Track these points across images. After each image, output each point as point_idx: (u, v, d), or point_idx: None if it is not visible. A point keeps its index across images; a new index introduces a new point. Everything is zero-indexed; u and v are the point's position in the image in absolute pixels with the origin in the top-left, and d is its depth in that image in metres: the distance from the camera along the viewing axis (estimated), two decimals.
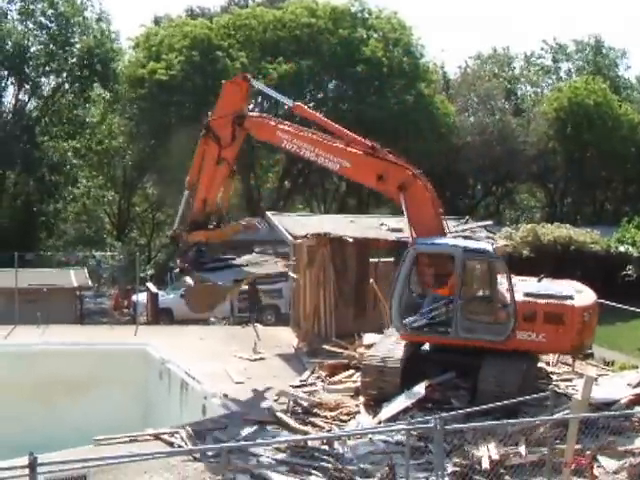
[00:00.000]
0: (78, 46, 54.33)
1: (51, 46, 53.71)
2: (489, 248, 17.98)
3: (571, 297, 17.50)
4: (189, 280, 19.32)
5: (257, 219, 20.05)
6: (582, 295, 18.00)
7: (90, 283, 39.08)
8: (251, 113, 18.95)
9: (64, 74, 55.19)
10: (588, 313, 17.39)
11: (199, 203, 19.03)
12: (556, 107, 59.33)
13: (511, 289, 17.00)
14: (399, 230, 25.65)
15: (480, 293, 17.88)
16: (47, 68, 54.60)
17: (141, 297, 34.78)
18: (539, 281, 18.37)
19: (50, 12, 53.89)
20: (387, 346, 18.12)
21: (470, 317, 17.30)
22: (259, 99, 51.37)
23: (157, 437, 15.75)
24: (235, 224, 20.02)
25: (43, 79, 55.94)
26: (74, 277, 37.61)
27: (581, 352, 18.55)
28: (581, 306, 17.26)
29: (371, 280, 24.52)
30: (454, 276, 17.36)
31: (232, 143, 18.70)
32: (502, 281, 17.43)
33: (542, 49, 73.34)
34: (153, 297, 36.17)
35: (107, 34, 56.07)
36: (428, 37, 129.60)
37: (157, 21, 62.99)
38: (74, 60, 54.39)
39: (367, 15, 57.35)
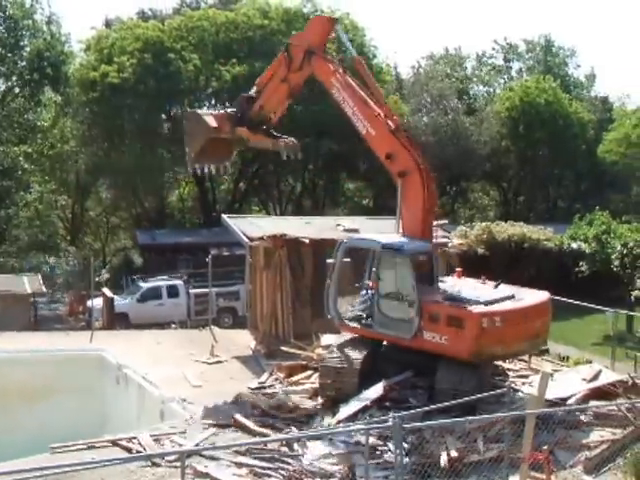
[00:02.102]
0: (28, 49, 53.44)
1: (0, 49, 52.94)
2: (404, 245, 17.62)
3: (486, 303, 16.78)
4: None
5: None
6: (508, 302, 17.30)
7: (44, 289, 38.62)
8: (322, 54, 19.56)
9: (14, 78, 54.32)
10: (491, 320, 16.44)
11: (257, 106, 20.12)
12: (508, 106, 60.05)
13: (415, 288, 17.08)
14: (355, 230, 25.73)
15: (394, 290, 17.87)
16: None
17: (96, 302, 34.44)
18: (496, 287, 18.27)
19: None
20: (344, 347, 18.15)
21: (384, 312, 17.77)
22: None
23: (115, 443, 15.61)
24: (278, 140, 20.43)
25: None
26: (28, 283, 37.11)
27: (481, 359, 16.88)
28: (480, 312, 16.43)
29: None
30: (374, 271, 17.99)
31: (299, 71, 19.68)
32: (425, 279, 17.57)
33: (493, 49, 74.28)
34: (109, 302, 35.83)
35: (57, 37, 55.13)
36: (380, 38, 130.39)
37: (108, 23, 62.48)
38: (24, 63, 53.53)
39: None
